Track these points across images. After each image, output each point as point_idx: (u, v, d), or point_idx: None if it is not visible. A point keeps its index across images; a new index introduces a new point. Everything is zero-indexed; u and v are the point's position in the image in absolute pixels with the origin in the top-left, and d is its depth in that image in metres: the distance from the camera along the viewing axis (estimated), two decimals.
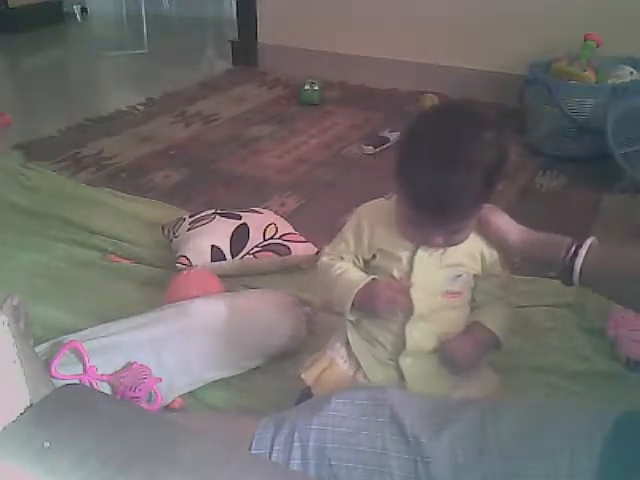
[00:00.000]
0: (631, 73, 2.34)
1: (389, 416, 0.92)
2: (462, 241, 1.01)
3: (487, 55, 2.87)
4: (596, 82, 2.33)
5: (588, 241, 0.99)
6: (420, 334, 1.05)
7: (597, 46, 2.40)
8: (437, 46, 3.01)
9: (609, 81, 2.32)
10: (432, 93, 2.79)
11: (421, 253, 1.02)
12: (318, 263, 1.12)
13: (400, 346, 1.06)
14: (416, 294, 1.03)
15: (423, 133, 0.94)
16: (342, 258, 1.09)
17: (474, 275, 1.05)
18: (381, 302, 1.01)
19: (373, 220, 1.06)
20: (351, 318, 1.09)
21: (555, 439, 0.83)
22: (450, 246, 1.01)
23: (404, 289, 1.02)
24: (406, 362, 1.06)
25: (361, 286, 1.03)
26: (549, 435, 0.84)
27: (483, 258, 1.04)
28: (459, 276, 1.04)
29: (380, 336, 1.08)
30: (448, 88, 2.86)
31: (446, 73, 2.95)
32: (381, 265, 1.06)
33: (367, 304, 1.04)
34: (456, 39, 2.95)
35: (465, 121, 0.94)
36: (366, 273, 1.07)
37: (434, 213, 0.94)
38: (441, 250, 1.02)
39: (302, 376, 1.12)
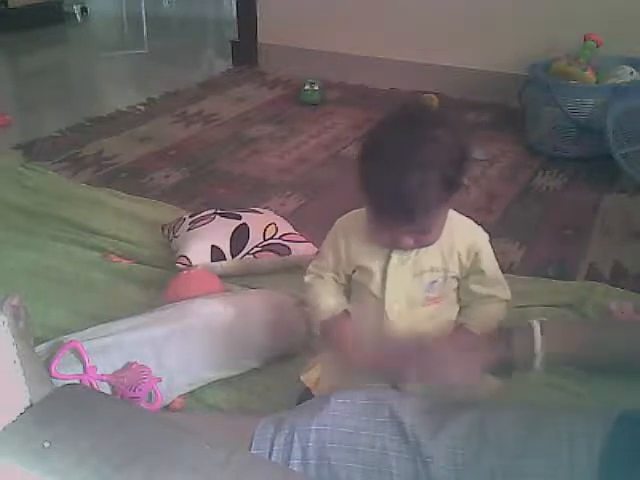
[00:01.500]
0: (631, 73, 2.34)
1: (389, 416, 0.92)
2: (433, 241, 0.99)
3: (487, 55, 2.87)
4: (596, 82, 2.33)
5: (536, 325, 0.98)
6: None
7: (597, 46, 2.40)
8: (437, 46, 3.01)
9: (609, 81, 2.32)
10: (432, 93, 2.79)
11: (393, 263, 1.01)
12: (304, 281, 1.12)
13: None
14: (396, 306, 1.02)
15: (378, 139, 0.95)
16: (322, 277, 1.09)
17: (453, 277, 1.04)
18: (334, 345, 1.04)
19: (349, 234, 1.05)
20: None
21: (555, 439, 0.83)
22: (422, 247, 1.00)
23: (352, 342, 1.02)
24: None
25: (321, 321, 1.06)
26: (549, 435, 0.84)
27: (460, 258, 1.02)
28: (435, 282, 1.02)
29: None
30: (448, 88, 2.86)
31: (446, 73, 2.95)
32: (360, 281, 1.06)
33: (325, 341, 1.07)
34: (456, 39, 2.95)
35: (418, 123, 0.94)
36: (348, 289, 1.08)
37: (398, 215, 0.93)
38: (413, 257, 1.01)
39: (302, 378, 1.12)
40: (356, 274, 1.07)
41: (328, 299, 1.08)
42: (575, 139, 2.32)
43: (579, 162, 2.31)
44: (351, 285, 1.09)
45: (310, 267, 1.12)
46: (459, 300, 1.08)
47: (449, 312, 1.07)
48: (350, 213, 1.09)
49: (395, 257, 1.01)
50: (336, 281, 1.09)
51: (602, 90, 2.26)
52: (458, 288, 1.06)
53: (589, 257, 1.76)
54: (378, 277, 1.02)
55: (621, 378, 1.28)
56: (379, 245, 1.01)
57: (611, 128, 2.13)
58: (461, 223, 1.04)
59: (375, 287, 1.03)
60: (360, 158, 0.96)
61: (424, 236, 0.97)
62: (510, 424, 0.89)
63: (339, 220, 1.10)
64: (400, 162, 0.91)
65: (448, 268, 1.02)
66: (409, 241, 0.97)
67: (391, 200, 0.92)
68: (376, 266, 1.02)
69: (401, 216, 0.93)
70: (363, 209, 1.07)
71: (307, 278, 1.12)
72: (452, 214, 1.01)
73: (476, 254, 1.03)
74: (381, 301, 1.03)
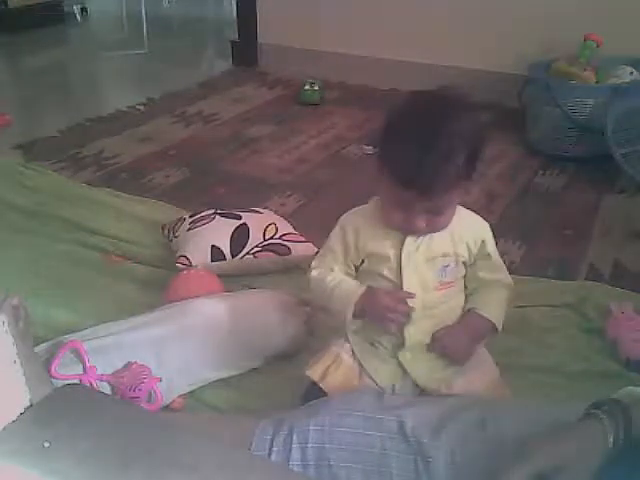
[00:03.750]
0: (631, 73, 2.34)
1: (389, 416, 0.92)
2: (445, 226, 1.01)
3: (487, 55, 2.87)
4: (596, 82, 2.33)
5: None
6: (418, 332, 1.05)
7: (597, 46, 2.40)
8: (437, 46, 3.01)
9: (609, 81, 2.32)
10: None
11: (407, 248, 1.02)
12: (308, 278, 1.12)
13: (400, 344, 1.06)
14: (412, 289, 1.03)
15: (407, 111, 0.97)
16: (332, 269, 1.09)
17: (463, 263, 1.06)
18: (381, 311, 1.01)
19: (357, 225, 1.06)
20: (353, 327, 1.10)
21: None
22: (434, 232, 1.01)
23: (403, 297, 1.02)
24: (406, 357, 1.07)
25: (358, 296, 1.04)
26: (549, 435, 0.84)
27: (468, 245, 1.05)
28: (447, 266, 1.04)
29: (380, 337, 1.08)
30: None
31: (446, 73, 2.94)
32: (370, 269, 1.06)
33: (367, 313, 1.04)
34: (456, 39, 2.95)
35: (446, 98, 0.97)
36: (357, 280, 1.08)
37: (418, 187, 0.93)
38: (426, 242, 1.02)
39: (307, 372, 1.12)
40: (365, 264, 1.07)
41: (350, 281, 1.08)
42: (575, 139, 2.32)
43: (579, 162, 2.31)
44: (359, 275, 1.09)
45: (314, 263, 1.12)
46: (465, 288, 1.09)
47: (459, 297, 1.09)
48: (351, 211, 1.10)
49: (409, 242, 1.02)
50: (347, 273, 1.09)
51: (602, 90, 2.26)
52: (465, 276, 1.08)
53: (589, 257, 1.76)
54: (393, 262, 1.03)
55: (621, 378, 1.29)
56: (391, 227, 1.02)
57: (611, 128, 2.13)
58: (466, 213, 1.07)
59: (390, 272, 1.04)
60: (384, 129, 0.97)
61: (437, 218, 0.98)
62: (510, 424, 0.89)
63: (344, 216, 1.10)
64: (427, 132, 0.92)
65: (459, 253, 1.04)
66: (422, 223, 0.97)
67: (414, 169, 0.91)
68: (390, 251, 1.03)
69: (421, 188, 0.93)
70: (365, 205, 1.09)
71: (314, 273, 1.11)
72: (459, 207, 1.04)
73: (483, 241, 1.06)
74: (397, 285, 1.04)
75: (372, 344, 1.09)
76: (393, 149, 0.95)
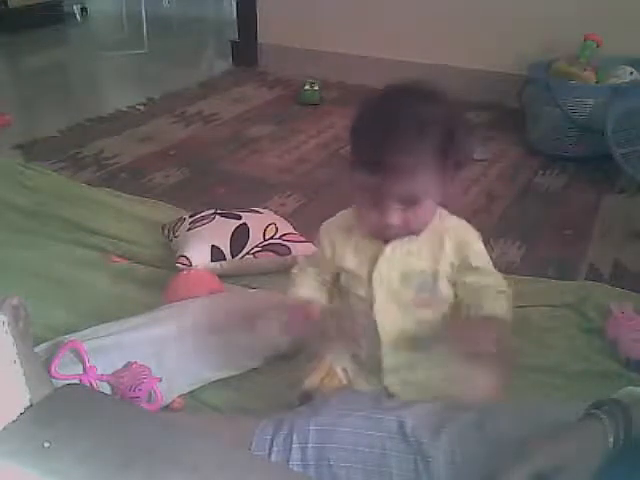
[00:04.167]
0: (631, 73, 2.34)
1: (388, 416, 0.92)
2: (422, 223, 0.96)
3: (487, 55, 2.87)
4: (596, 82, 2.33)
5: None
6: (395, 353, 1.02)
7: (597, 46, 2.40)
8: (437, 46, 3.01)
9: (609, 81, 2.32)
10: None
11: (380, 265, 0.98)
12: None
13: (378, 367, 1.04)
14: (383, 314, 1.00)
15: (374, 100, 0.95)
16: (305, 270, 1.09)
17: (444, 277, 1.00)
18: (288, 324, 1.03)
19: (334, 237, 1.04)
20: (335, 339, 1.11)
21: None
22: (411, 231, 0.96)
23: (313, 312, 1.00)
24: (389, 380, 1.04)
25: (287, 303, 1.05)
26: (549, 435, 0.84)
27: (451, 258, 0.99)
28: (424, 283, 0.99)
29: (358, 352, 1.07)
30: (448, 88, 2.86)
31: (446, 73, 2.94)
32: (347, 285, 1.04)
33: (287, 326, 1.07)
34: (456, 39, 2.95)
35: (413, 88, 0.95)
36: (333, 290, 1.08)
37: (383, 164, 0.89)
38: (400, 259, 0.98)
39: (305, 383, 1.11)
40: (342, 279, 1.05)
41: (300, 290, 1.07)
42: (575, 139, 2.32)
43: (579, 162, 2.31)
44: (339, 287, 1.07)
45: (298, 261, 1.14)
46: (456, 298, 1.02)
47: (440, 316, 1.02)
48: (332, 219, 1.08)
49: (382, 260, 0.99)
50: (319, 277, 1.08)
51: (602, 90, 2.26)
52: (454, 285, 1.01)
53: (589, 257, 1.76)
54: (365, 280, 1.01)
55: (621, 378, 1.29)
56: (368, 232, 0.99)
57: (611, 128, 2.13)
58: (452, 221, 1.01)
59: (362, 290, 1.01)
60: (353, 121, 0.95)
61: (412, 213, 0.93)
62: (509, 424, 0.89)
63: (324, 224, 1.08)
64: (393, 114, 0.90)
65: (438, 268, 0.99)
66: (396, 219, 0.92)
67: (379, 148, 0.89)
68: (363, 268, 1.00)
69: (387, 169, 0.89)
70: (345, 211, 1.06)
71: (292, 270, 1.12)
72: (443, 212, 1.00)
73: (467, 252, 0.99)
74: (368, 303, 1.01)
75: (355, 360, 1.08)
76: (359, 134, 0.94)
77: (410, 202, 0.92)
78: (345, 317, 1.07)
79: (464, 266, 1.00)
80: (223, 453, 0.70)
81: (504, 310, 0.98)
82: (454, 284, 1.02)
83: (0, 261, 1.68)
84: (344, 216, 1.06)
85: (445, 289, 1.01)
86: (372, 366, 1.05)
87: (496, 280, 1.02)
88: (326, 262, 1.06)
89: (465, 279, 1.00)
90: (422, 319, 1.02)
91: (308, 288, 1.08)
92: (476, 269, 1.00)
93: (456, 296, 1.03)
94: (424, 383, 1.03)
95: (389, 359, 1.03)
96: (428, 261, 0.99)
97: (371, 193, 0.93)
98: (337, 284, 1.08)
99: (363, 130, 0.94)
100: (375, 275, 0.99)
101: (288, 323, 1.03)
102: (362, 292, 1.02)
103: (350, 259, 1.02)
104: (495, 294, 0.99)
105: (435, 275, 0.99)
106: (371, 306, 1.01)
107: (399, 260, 0.98)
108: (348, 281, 1.04)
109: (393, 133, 0.89)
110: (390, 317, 1.01)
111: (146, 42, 4.16)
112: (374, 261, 0.99)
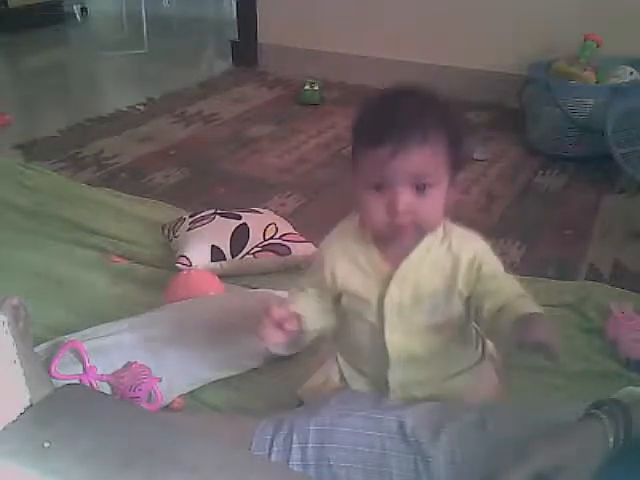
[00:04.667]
0: (631, 73, 2.34)
1: (388, 416, 0.92)
2: (433, 218, 0.90)
3: (487, 55, 2.87)
4: (596, 82, 2.33)
5: None
6: (402, 377, 0.99)
7: (597, 46, 2.40)
8: (437, 46, 3.01)
9: (609, 81, 2.32)
10: None
11: (391, 292, 0.94)
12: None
13: (384, 383, 1.00)
14: (393, 337, 0.96)
15: (376, 99, 0.92)
16: (305, 290, 1.02)
17: (458, 295, 0.94)
18: (259, 327, 0.93)
19: (335, 255, 0.98)
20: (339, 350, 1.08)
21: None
22: (422, 223, 0.89)
23: (289, 321, 0.93)
24: (396, 395, 1.00)
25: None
26: (549, 435, 0.84)
27: (460, 273, 0.93)
28: (436, 305, 0.94)
29: (363, 367, 1.04)
30: (448, 88, 2.86)
31: (446, 73, 2.94)
32: (351, 308, 0.99)
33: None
34: (456, 39, 2.95)
35: (415, 88, 0.92)
36: (333, 309, 1.02)
37: (390, 136, 0.85)
38: (412, 282, 0.93)
39: (299, 392, 1.10)
40: (345, 301, 0.99)
41: (297, 307, 0.99)
42: (575, 139, 2.32)
43: (579, 162, 2.31)
44: (341, 309, 1.01)
45: (297, 282, 1.06)
46: (479, 314, 0.94)
47: (450, 336, 0.98)
48: (332, 233, 1.02)
49: (394, 284, 0.93)
50: (319, 299, 1.02)
51: (602, 90, 2.26)
52: (469, 298, 0.95)
53: (589, 257, 1.76)
54: (374, 304, 0.95)
55: (620, 378, 1.29)
56: (374, 231, 0.93)
57: (611, 128, 2.13)
58: (462, 234, 0.96)
59: (370, 313, 0.97)
60: (355, 118, 0.92)
61: (421, 203, 0.87)
62: (509, 424, 0.89)
63: (323, 242, 1.03)
64: (397, 101, 0.89)
65: (451, 285, 0.94)
66: (406, 199, 0.86)
67: (387, 122, 0.86)
68: (372, 292, 0.95)
69: (395, 140, 0.84)
70: (347, 219, 1.00)
71: (289, 291, 1.05)
72: (451, 226, 0.96)
73: (479, 264, 0.94)
74: (376, 326, 0.97)
75: (359, 371, 1.05)
76: (363, 122, 0.91)
77: (418, 181, 0.87)
78: (346, 337, 1.04)
79: (480, 276, 0.94)
80: (223, 453, 0.70)
81: (538, 307, 0.92)
82: (469, 297, 0.95)
83: (0, 261, 1.68)
84: (345, 231, 0.99)
85: (457, 308, 0.96)
86: (376, 379, 1.02)
87: (514, 284, 0.95)
88: (325, 281, 0.99)
89: (485, 287, 0.94)
90: (433, 340, 0.98)
91: (308, 309, 1.00)
92: (493, 277, 0.94)
93: (467, 314, 0.98)
94: (431, 396, 1.00)
95: (397, 376, 0.99)
96: (441, 279, 0.94)
97: (377, 179, 0.87)
98: (337, 305, 1.02)
99: (365, 119, 0.91)
100: (387, 300, 0.94)
101: (259, 327, 0.93)
102: (370, 316, 0.97)
103: (356, 282, 0.97)
104: (520, 295, 0.93)
105: (447, 295, 0.94)
106: (381, 330, 0.96)
107: (411, 283, 0.94)
108: (352, 304, 0.99)
109: (398, 111, 0.87)
110: (401, 340, 0.97)
111: (146, 42, 4.16)
112: (385, 284, 0.94)
